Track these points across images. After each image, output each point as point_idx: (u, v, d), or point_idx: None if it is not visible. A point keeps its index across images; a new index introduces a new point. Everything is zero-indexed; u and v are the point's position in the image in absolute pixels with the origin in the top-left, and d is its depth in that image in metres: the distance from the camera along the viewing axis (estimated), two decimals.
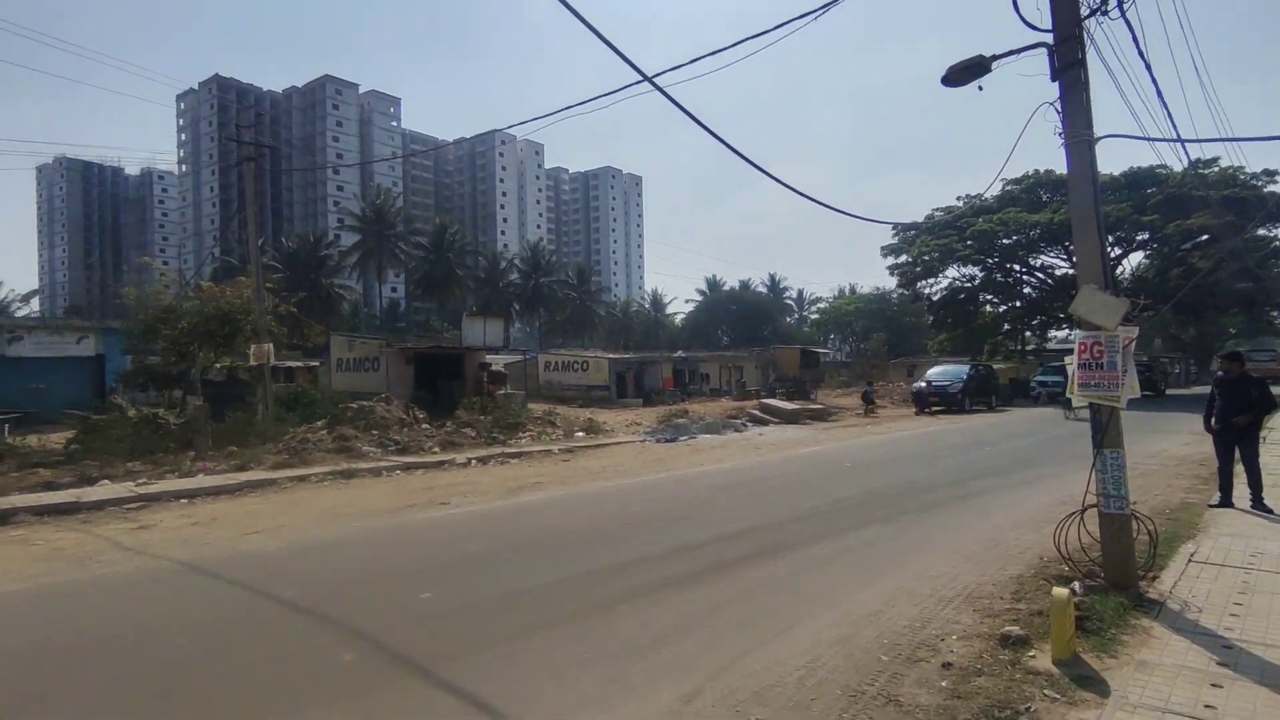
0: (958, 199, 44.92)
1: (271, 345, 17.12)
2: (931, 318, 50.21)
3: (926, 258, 43.93)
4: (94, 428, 14.33)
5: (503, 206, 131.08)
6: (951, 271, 45.28)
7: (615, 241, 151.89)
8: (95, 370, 25.73)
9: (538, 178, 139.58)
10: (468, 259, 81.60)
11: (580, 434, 18.53)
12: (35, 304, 79.42)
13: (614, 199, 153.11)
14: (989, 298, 46.27)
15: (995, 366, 34.58)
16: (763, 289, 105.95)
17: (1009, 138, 13.45)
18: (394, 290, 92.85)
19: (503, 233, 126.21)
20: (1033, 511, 8.58)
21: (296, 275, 56.23)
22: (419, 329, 73.92)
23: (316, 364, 31.19)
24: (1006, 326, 47.28)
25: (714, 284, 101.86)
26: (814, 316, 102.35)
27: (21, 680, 4.24)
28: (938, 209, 44.82)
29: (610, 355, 41.42)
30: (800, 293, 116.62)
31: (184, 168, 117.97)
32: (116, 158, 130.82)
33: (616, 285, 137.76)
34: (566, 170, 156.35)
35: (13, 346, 24.19)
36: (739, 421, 22.42)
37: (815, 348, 45.17)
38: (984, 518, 8.40)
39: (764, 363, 46.18)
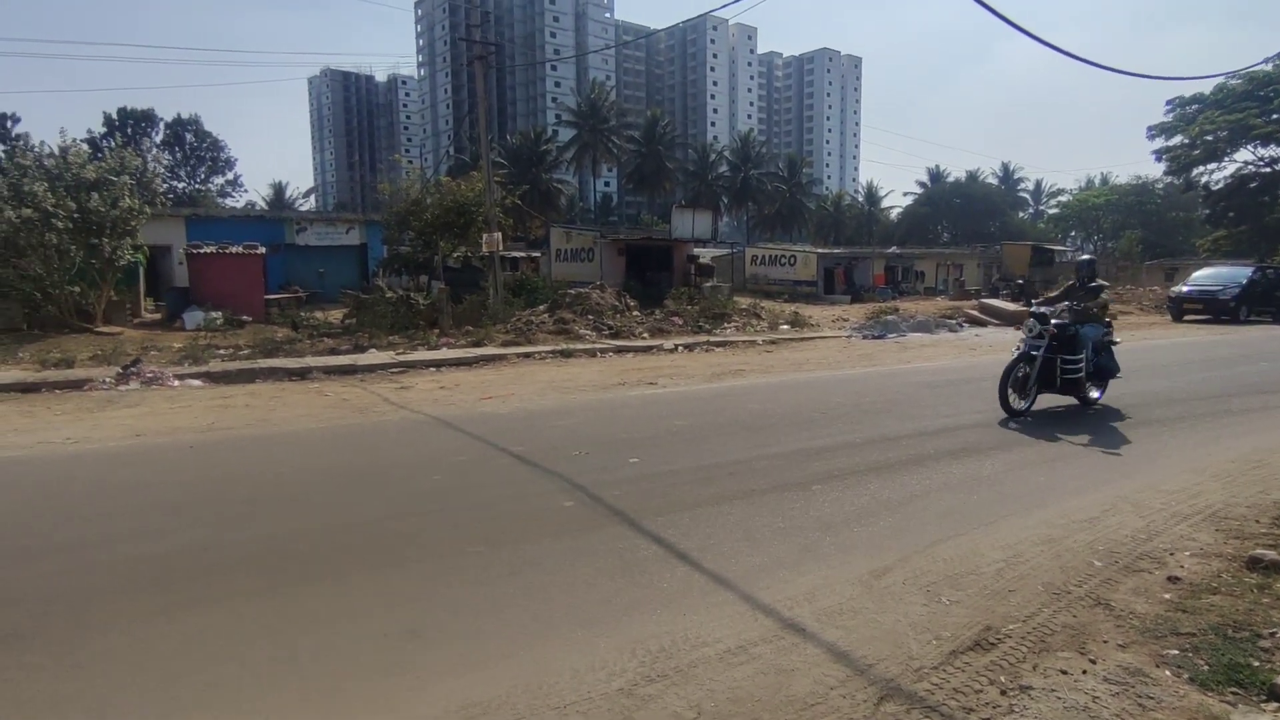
0: (1265, 61, 36.35)
1: (500, 234, 18.68)
2: (1208, 211, 42.33)
3: (1210, 137, 36.57)
4: (362, 306, 16.79)
5: (713, 97, 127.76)
6: (1243, 154, 37.46)
7: (829, 130, 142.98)
8: (360, 257, 29.80)
9: (750, 64, 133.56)
10: (677, 152, 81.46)
11: (785, 326, 18.48)
12: (312, 200, 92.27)
13: (830, 84, 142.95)
14: None
15: None
16: (993, 180, 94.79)
17: None
18: (607, 185, 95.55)
19: (713, 124, 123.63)
20: None
21: (519, 171, 59.73)
22: (630, 222, 76.07)
23: (538, 254, 33.53)
24: None
25: (936, 175, 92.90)
26: (1052, 211, 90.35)
27: (328, 492, 5.35)
28: (1233, 76, 36.74)
29: (819, 250, 40.05)
30: (1038, 184, 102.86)
31: (422, 71, 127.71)
32: (369, 66, 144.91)
33: (829, 177, 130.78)
34: (780, 55, 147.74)
35: (300, 236, 28.61)
36: (954, 321, 20.99)
37: (1050, 245, 40.13)
38: (1245, 437, 7.34)
39: (988, 261, 42.19)
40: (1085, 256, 9.62)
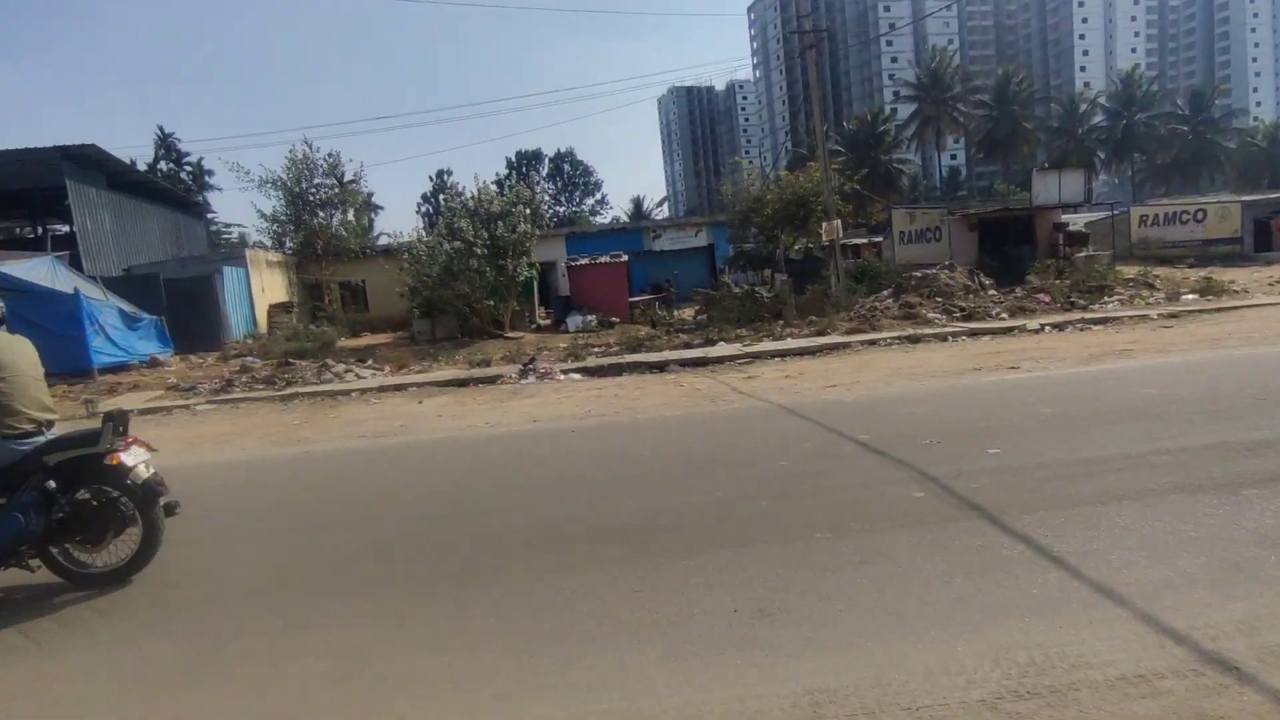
0: None
1: (840, 222, 18.43)
2: None
3: None
4: (711, 302, 17.98)
5: (1082, 37, 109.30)
6: None
7: (1256, 45, 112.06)
8: (708, 257, 32.01)
9: None
10: (1037, 109, 71.74)
11: (1190, 296, 15.08)
12: (666, 208, 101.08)
13: None
14: None
15: None
16: None
17: None
18: (953, 158, 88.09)
19: (1083, 69, 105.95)
20: None
21: (857, 155, 57.80)
22: (981, 194, 69.02)
23: (879, 239, 32.32)
24: None
25: None
26: None
27: (684, 473, 5.83)
28: None
29: (1243, 198, 31.82)
30: None
31: (757, 73, 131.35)
32: (708, 77, 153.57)
33: (1259, 104, 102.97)
34: None
35: (655, 242, 31.63)
36: None
37: None
38: None
39: None
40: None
